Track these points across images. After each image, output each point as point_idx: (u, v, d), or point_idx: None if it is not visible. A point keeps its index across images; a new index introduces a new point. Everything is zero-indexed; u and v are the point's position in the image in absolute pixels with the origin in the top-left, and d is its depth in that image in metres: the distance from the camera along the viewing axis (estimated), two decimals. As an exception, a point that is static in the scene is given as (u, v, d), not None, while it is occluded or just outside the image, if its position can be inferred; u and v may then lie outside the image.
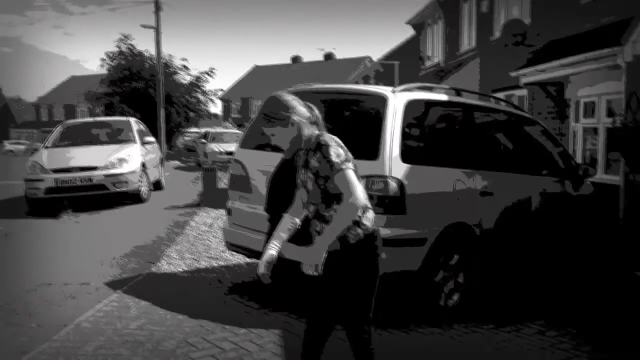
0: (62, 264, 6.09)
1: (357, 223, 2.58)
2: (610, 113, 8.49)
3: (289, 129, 2.60)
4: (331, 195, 2.57)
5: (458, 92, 5.36)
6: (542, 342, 3.97)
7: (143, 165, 10.68)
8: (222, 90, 32.55)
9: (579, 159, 9.34)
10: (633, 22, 6.25)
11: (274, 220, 4.38)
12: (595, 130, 9.24)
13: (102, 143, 11.13)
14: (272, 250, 2.66)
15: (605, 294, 5.24)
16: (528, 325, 4.28)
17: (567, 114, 9.96)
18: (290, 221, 2.76)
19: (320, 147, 2.54)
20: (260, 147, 5.03)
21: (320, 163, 2.54)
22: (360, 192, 2.50)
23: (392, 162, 4.13)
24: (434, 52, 18.65)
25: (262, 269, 2.65)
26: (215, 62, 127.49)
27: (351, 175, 2.51)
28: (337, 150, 2.53)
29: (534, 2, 11.42)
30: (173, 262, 6.09)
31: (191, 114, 29.11)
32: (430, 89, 5.13)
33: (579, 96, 9.58)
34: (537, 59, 9.94)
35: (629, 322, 4.49)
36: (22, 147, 50.38)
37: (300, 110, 2.63)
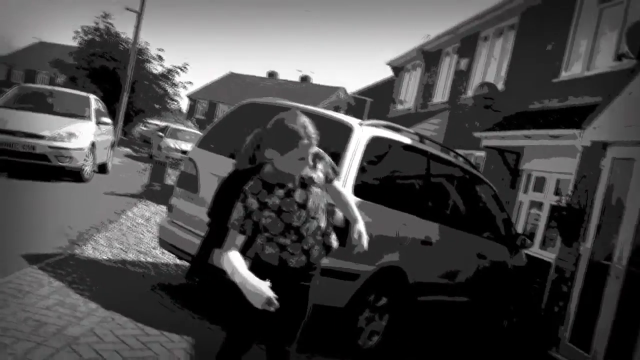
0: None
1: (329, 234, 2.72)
2: (558, 191, 8.78)
3: (294, 152, 2.45)
4: (326, 208, 2.66)
5: (422, 139, 5.43)
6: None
7: (93, 144, 10.30)
8: (191, 83, 32.02)
9: (519, 229, 9.57)
10: (598, 108, 6.49)
11: (213, 226, 4.29)
12: (540, 205, 9.53)
13: (55, 114, 10.65)
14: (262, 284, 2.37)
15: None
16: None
17: (518, 183, 10.25)
18: (242, 258, 2.51)
19: (323, 158, 2.66)
20: (218, 150, 4.94)
21: (325, 173, 2.65)
22: None
23: (343, 192, 4.10)
24: (407, 97, 19.00)
25: (264, 300, 2.31)
26: (187, 56, 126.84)
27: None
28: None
29: (510, 71, 11.81)
30: (99, 249, 5.83)
31: (156, 106, 28.56)
32: (396, 130, 5.17)
33: (532, 169, 9.88)
34: (501, 125, 10.24)
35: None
36: None
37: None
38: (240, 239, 2.54)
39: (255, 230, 2.59)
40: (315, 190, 2.59)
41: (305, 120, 2.51)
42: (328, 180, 2.70)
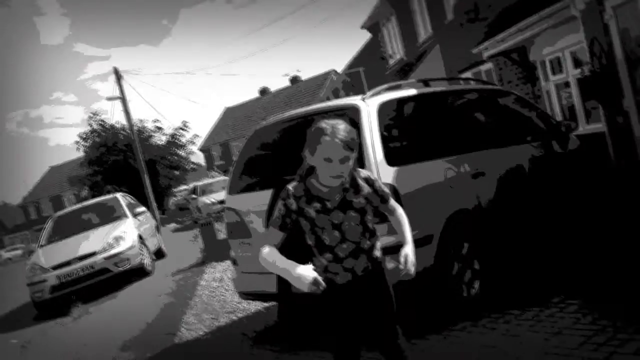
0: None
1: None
2: (577, 64, 8.52)
3: (320, 151, 2.42)
4: (370, 228, 2.59)
5: (426, 83, 5.33)
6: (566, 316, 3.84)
7: (140, 237, 10.56)
8: (197, 135, 32.37)
9: (558, 116, 9.33)
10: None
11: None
12: (566, 84, 9.26)
13: (95, 226, 11.01)
14: (305, 268, 2.42)
15: (620, 245, 5.06)
16: (554, 299, 4.11)
17: (536, 75, 9.99)
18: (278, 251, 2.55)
19: (372, 184, 2.59)
20: (248, 189, 4.98)
21: (368, 199, 2.56)
22: None
23: (379, 168, 4.07)
24: (395, 49, 18.77)
25: (310, 282, 2.37)
26: (187, 113, 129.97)
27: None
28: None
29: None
30: (193, 328, 5.96)
31: (176, 173, 29.12)
32: (398, 87, 5.10)
33: (543, 55, 9.62)
34: (494, 31, 9.99)
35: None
36: (18, 252, 49.33)
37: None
38: (279, 236, 2.54)
39: (297, 245, 2.58)
40: (354, 215, 2.53)
41: (337, 122, 2.45)
42: (375, 206, 2.61)
